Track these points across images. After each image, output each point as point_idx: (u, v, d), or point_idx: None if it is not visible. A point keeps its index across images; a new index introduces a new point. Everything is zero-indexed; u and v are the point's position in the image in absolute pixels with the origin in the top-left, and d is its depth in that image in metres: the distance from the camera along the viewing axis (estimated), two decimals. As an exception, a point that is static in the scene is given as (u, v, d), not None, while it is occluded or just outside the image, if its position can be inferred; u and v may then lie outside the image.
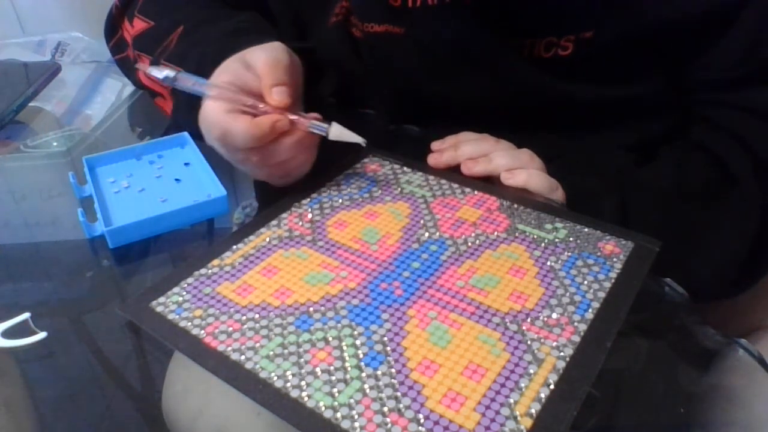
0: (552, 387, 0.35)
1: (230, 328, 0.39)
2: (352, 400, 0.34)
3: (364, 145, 0.49)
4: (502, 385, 0.35)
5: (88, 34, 0.93)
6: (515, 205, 0.50)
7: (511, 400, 0.34)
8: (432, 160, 0.54)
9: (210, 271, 0.44)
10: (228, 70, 0.49)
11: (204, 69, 0.53)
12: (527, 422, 0.33)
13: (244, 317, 0.40)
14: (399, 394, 0.35)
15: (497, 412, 0.34)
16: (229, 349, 0.38)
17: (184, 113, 0.57)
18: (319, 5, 0.63)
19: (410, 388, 0.35)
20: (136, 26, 0.66)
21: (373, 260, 0.45)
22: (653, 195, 0.53)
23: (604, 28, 0.54)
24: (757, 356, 0.41)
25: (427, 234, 0.47)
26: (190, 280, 0.43)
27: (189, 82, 0.50)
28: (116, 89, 0.79)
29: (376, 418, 0.33)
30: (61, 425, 0.40)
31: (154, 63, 0.61)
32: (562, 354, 0.37)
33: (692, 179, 0.55)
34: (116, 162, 0.57)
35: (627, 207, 0.51)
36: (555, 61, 0.55)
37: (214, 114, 0.47)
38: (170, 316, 0.40)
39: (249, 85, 0.48)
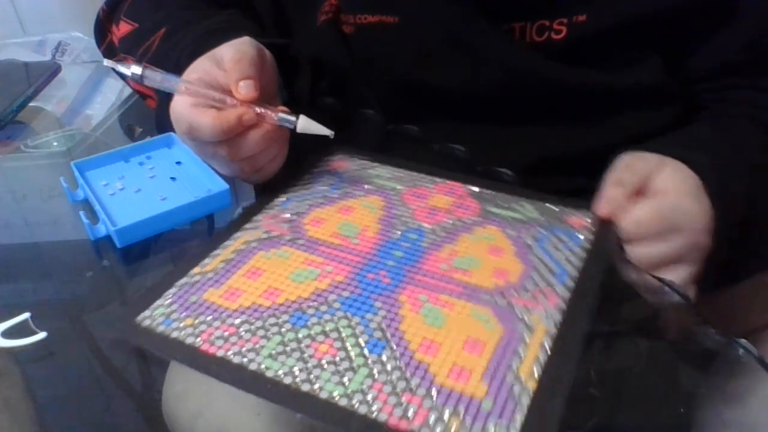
0: (549, 350, 0.37)
1: (226, 333, 0.39)
2: (363, 386, 0.35)
3: (332, 137, 0.49)
4: (502, 355, 0.37)
5: (88, 34, 0.93)
6: (483, 190, 0.52)
7: (514, 367, 0.36)
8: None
9: (192, 279, 0.43)
10: (197, 69, 0.50)
11: (181, 71, 0.53)
12: (532, 384, 0.35)
13: (238, 320, 0.40)
14: (408, 374, 0.36)
15: (503, 379, 0.35)
16: (230, 353, 0.37)
17: (164, 112, 0.58)
18: (305, 4, 0.63)
19: (417, 368, 0.36)
20: (121, 29, 0.66)
21: (356, 253, 0.45)
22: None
23: (598, 11, 0.53)
24: (757, 356, 0.41)
25: (404, 224, 0.49)
26: (173, 290, 0.42)
27: (157, 78, 0.49)
28: (116, 89, 0.79)
29: (390, 399, 0.34)
30: (61, 425, 0.40)
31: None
32: (551, 320, 0.39)
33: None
34: (105, 165, 0.57)
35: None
36: (548, 45, 0.55)
37: (180, 108, 0.48)
38: (160, 329, 0.39)
39: (218, 81, 0.49)
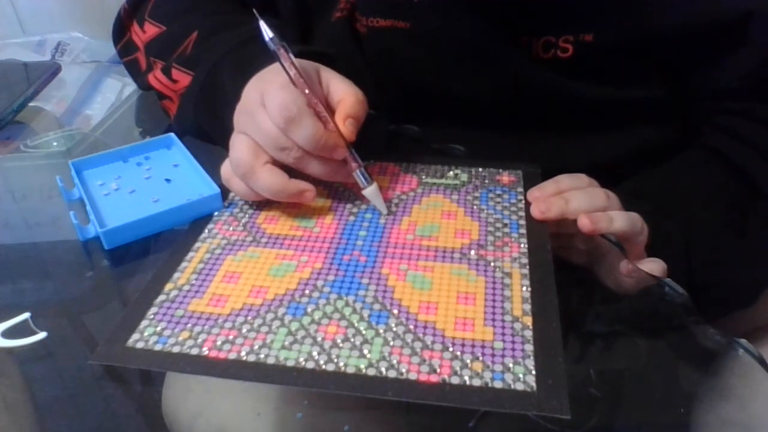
0: (529, 288, 0.42)
1: (230, 337, 0.39)
2: (384, 354, 0.37)
3: (385, 214, 0.50)
4: (493, 300, 0.41)
5: (88, 34, 0.94)
6: (413, 164, 0.56)
7: (507, 308, 0.40)
8: (538, 213, 0.48)
9: (170, 295, 0.42)
10: (306, 71, 0.48)
11: (219, 74, 0.53)
12: (528, 320, 0.39)
13: (236, 323, 0.40)
14: (419, 335, 0.38)
15: (502, 321, 0.39)
16: (242, 354, 0.37)
17: (193, 114, 0.57)
18: (324, 1, 0.63)
19: (425, 327, 0.39)
20: (147, 31, 0.65)
21: (322, 240, 0.47)
22: (708, 233, 0.54)
23: (605, 32, 0.54)
24: (757, 356, 0.41)
25: (355, 206, 0.51)
26: (153, 309, 0.41)
27: (285, 54, 0.46)
28: (116, 89, 0.79)
29: (413, 359, 0.37)
30: (61, 425, 0.40)
31: (167, 68, 0.60)
32: (521, 263, 0.44)
33: (731, 208, 0.56)
34: (103, 165, 0.57)
35: (688, 248, 0.52)
36: (555, 62, 0.55)
37: (244, 152, 0.46)
38: (157, 348, 0.38)
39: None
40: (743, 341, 0.42)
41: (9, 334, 0.42)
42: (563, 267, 0.45)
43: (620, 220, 0.47)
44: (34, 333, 0.42)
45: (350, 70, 0.62)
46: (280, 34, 0.47)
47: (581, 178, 0.50)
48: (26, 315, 0.43)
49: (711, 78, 0.57)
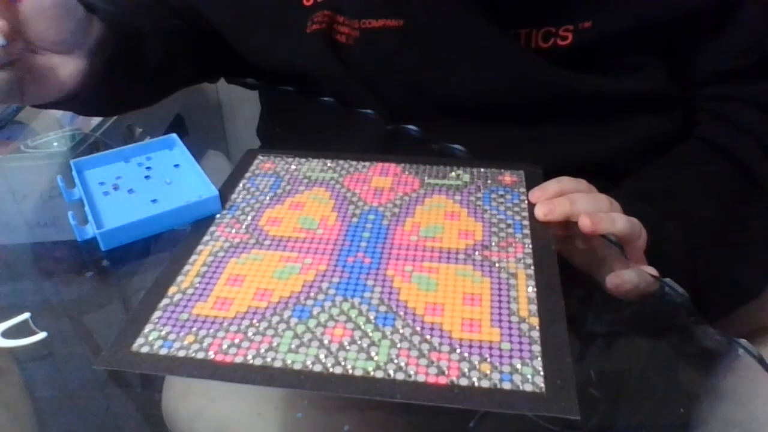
0: (535, 289, 0.42)
1: (236, 340, 0.38)
2: (392, 356, 0.37)
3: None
4: (499, 301, 0.41)
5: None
6: (414, 165, 0.56)
7: (513, 309, 0.40)
8: (542, 215, 0.48)
9: (174, 299, 0.42)
10: None
11: None
12: (534, 320, 0.39)
13: (241, 326, 0.39)
14: (427, 336, 0.38)
15: (509, 322, 0.39)
16: (248, 357, 0.37)
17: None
18: (287, 14, 0.62)
19: (431, 329, 0.39)
20: None
21: (325, 242, 0.47)
22: (710, 231, 0.54)
23: (603, 18, 0.54)
24: (757, 356, 0.41)
25: (358, 207, 0.51)
26: (157, 313, 0.41)
27: None
28: (116, 89, 0.79)
29: (421, 361, 0.36)
30: (61, 425, 0.40)
31: None
32: (526, 263, 0.44)
33: (732, 202, 0.56)
34: (104, 165, 0.56)
35: (691, 248, 0.52)
36: (554, 51, 0.55)
37: None
38: (162, 352, 0.38)
39: None
40: (743, 341, 0.42)
41: (9, 334, 0.42)
42: (564, 267, 0.45)
43: (622, 222, 0.47)
44: (34, 333, 0.42)
45: (331, 80, 0.61)
46: None
47: (581, 183, 0.50)
48: (26, 315, 0.43)
49: (708, 61, 0.57)
